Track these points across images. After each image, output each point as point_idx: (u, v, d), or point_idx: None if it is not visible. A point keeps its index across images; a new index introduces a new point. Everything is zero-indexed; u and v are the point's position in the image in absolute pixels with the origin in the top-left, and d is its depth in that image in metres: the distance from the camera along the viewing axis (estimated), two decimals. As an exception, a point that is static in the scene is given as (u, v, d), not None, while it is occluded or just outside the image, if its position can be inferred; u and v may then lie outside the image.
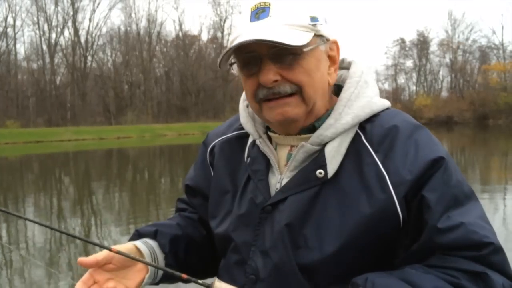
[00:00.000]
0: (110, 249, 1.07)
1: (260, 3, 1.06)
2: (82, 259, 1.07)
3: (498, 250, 0.96)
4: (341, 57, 1.17)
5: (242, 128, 1.24)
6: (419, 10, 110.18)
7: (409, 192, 1.00)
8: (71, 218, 9.40)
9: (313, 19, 1.07)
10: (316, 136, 1.09)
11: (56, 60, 58.00)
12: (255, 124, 1.20)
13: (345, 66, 1.22)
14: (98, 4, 74.75)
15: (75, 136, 40.25)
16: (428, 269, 0.96)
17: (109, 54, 62.55)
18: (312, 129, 1.12)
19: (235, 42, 1.03)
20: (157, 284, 1.21)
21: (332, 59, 1.13)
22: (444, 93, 67.00)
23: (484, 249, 0.95)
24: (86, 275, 1.10)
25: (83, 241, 1.11)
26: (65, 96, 57.63)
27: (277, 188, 1.12)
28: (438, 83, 69.29)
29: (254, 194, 1.14)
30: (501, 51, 64.53)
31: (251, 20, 1.05)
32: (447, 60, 67.28)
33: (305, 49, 1.04)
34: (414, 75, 69.40)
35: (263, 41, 1.00)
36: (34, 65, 57.93)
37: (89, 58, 58.68)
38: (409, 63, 70.03)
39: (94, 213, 10.11)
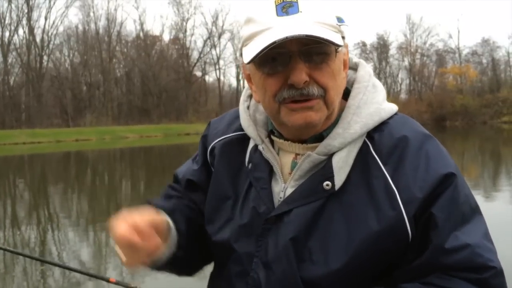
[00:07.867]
0: (108, 280, 1.00)
1: None
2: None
3: (499, 274, 0.96)
4: None
5: (243, 129, 1.17)
6: (379, 13, 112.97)
7: (418, 210, 0.97)
8: (26, 226, 8.96)
9: (339, 19, 1.02)
10: (323, 146, 1.04)
11: (9, 60, 55.82)
12: (257, 127, 1.13)
13: (351, 66, 1.14)
14: (55, 1, 72.62)
15: (30, 138, 38.80)
16: None
17: (66, 53, 60.99)
18: (318, 137, 1.06)
19: (273, 36, 0.94)
20: (159, 269, 1.13)
21: (344, 62, 1.08)
22: (403, 96, 69.04)
23: (486, 273, 0.94)
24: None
25: (84, 274, 1.07)
26: (20, 97, 55.46)
27: (280, 197, 1.07)
28: (397, 85, 71.29)
29: (257, 203, 1.08)
30: (457, 55, 67.35)
31: (278, 14, 0.97)
32: (406, 63, 69.44)
33: (338, 50, 1.00)
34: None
35: (313, 37, 0.93)
36: (-14, 65, 55.40)
37: (45, 57, 56.80)
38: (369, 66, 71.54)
39: (50, 219, 9.60)
